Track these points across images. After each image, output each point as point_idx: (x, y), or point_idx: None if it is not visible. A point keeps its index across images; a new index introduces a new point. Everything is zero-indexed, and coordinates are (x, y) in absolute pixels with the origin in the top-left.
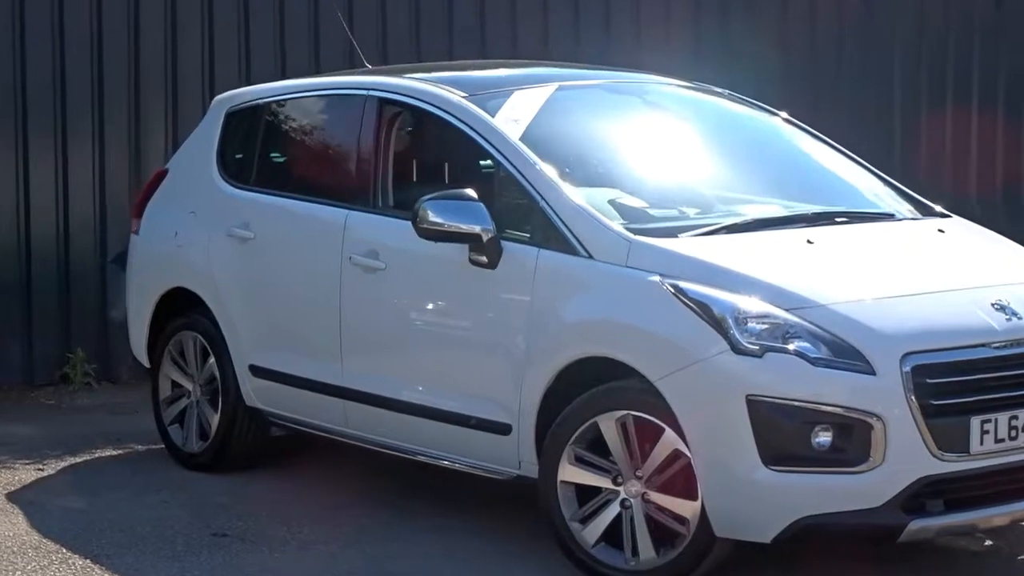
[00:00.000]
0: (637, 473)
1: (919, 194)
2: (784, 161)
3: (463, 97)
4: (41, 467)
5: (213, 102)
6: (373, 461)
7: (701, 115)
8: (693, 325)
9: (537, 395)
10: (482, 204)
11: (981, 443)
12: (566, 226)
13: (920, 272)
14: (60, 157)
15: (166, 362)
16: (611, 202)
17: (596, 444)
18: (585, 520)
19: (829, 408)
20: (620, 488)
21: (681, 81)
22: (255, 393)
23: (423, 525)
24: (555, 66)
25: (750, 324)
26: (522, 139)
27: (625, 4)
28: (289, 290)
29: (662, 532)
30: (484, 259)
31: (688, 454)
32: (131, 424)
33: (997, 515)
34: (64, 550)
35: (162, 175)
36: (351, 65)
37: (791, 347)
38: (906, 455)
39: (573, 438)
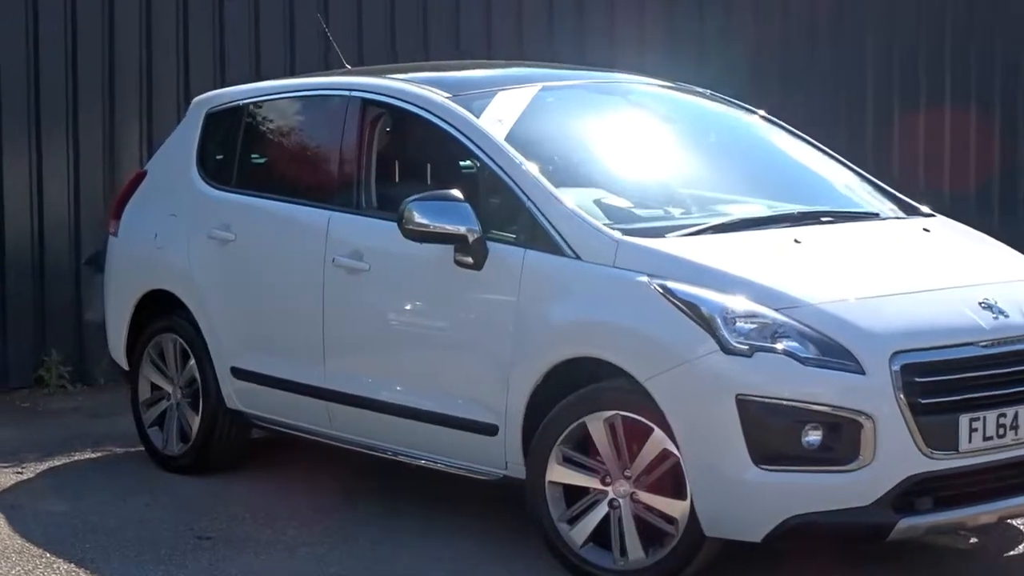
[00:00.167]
0: (625, 473)
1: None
2: (767, 161)
3: (447, 98)
4: (20, 470)
5: (192, 103)
6: (355, 462)
7: (683, 115)
8: (682, 325)
9: (524, 396)
10: (468, 205)
11: (970, 441)
12: (553, 227)
13: (907, 271)
14: (34, 159)
15: (145, 364)
16: (596, 202)
17: (584, 444)
18: (573, 520)
19: (819, 407)
20: (608, 488)
21: (663, 81)
22: (236, 395)
23: (409, 526)
24: (537, 66)
25: (739, 324)
26: (507, 140)
27: (599, 4)
28: (271, 292)
29: (650, 532)
30: (470, 260)
31: (677, 454)
32: (108, 427)
33: (985, 513)
34: (48, 554)
35: (140, 177)
36: (327, 66)
37: (780, 347)
38: (895, 454)
39: (561, 438)
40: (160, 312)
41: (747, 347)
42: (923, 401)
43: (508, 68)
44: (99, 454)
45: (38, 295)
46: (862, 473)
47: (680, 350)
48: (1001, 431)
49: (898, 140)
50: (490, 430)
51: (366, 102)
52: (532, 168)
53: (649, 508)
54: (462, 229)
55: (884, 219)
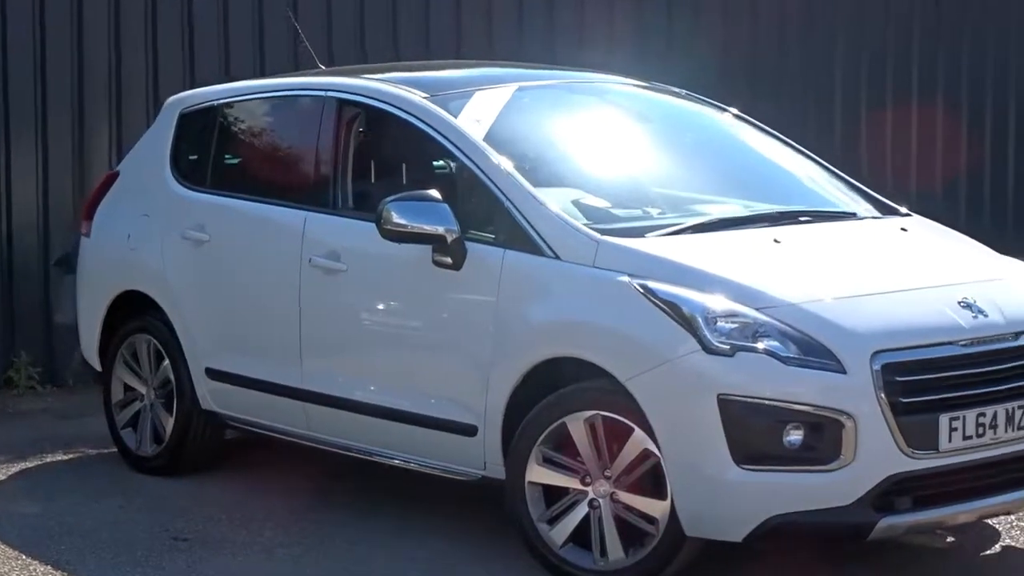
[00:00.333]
0: (606, 473)
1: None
2: (742, 160)
3: (424, 98)
4: None
5: (165, 104)
6: (329, 463)
7: (659, 115)
8: (663, 325)
9: (504, 396)
10: (446, 205)
11: (949, 440)
12: (532, 227)
13: (887, 271)
14: (3, 160)
15: (118, 365)
16: (575, 202)
17: (564, 444)
18: (553, 521)
19: (800, 407)
20: (588, 488)
21: (639, 81)
22: (211, 396)
23: (387, 527)
24: (513, 66)
25: (720, 323)
26: (485, 140)
27: (569, 3)
28: (247, 292)
29: (631, 532)
30: (448, 260)
31: (658, 454)
32: (79, 428)
33: (964, 512)
34: (23, 556)
35: (112, 177)
36: (296, 66)
37: (761, 346)
38: (876, 453)
39: (541, 439)
40: (133, 313)
41: (728, 347)
42: (904, 400)
43: (484, 68)
44: (71, 455)
45: (7, 296)
46: (843, 473)
47: (661, 350)
48: (980, 430)
49: (865, 140)
50: (469, 430)
51: (342, 102)
52: (511, 168)
53: (629, 508)
54: (440, 229)
55: (862, 219)
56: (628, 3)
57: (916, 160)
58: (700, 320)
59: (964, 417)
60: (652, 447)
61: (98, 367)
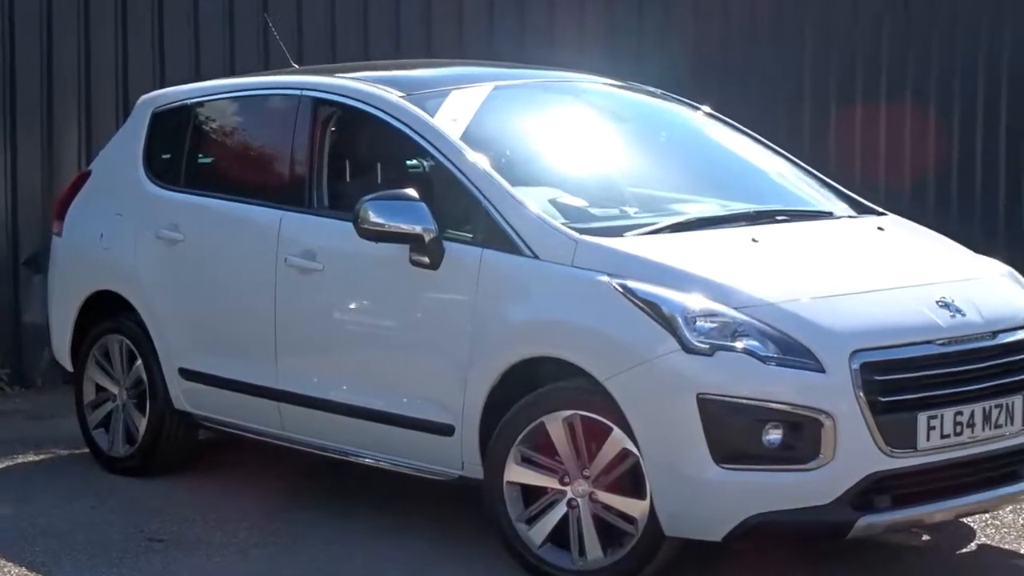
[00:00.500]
0: (584, 473)
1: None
2: (718, 159)
3: (401, 97)
4: None
5: (138, 102)
6: (303, 463)
7: (635, 114)
8: (642, 324)
9: (481, 396)
10: (424, 204)
11: (928, 439)
12: (510, 226)
13: (865, 270)
14: None
15: (90, 366)
16: (552, 202)
17: (543, 444)
18: (531, 520)
19: (780, 406)
20: (567, 488)
21: (615, 80)
22: (184, 396)
23: (362, 527)
24: (490, 66)
25: (699, 323)
26: (462, 139)
27: (540, 3)
28: (221, 292)
29: (610, 532)
30: (426, 259)
31: (636, 453)
32: (50, 428)
33: (942, 511)
34: None
35: (84, 177)
36: (267, 65)
37: (741, 345)
38: (855, 452)
39: (520, 438)
40: (105, 313)
41: (708, 346)
42: (882, 399)
43: (460, 67)
44: (42, 456)
45: None
46: (822, 472)
47: (640, 349)
48: (958, 429)
49: (834, 138)
50: (446, 430)
51: (318, 101)
52: (489, 168)
53: (608, 508)
54: (418, 228)
55: (838, 218)
56: (599, 2)
57: (884, 157)
58: (679, 319)
59: (942, 416)
60: (631, 447)
61: (70, 367)
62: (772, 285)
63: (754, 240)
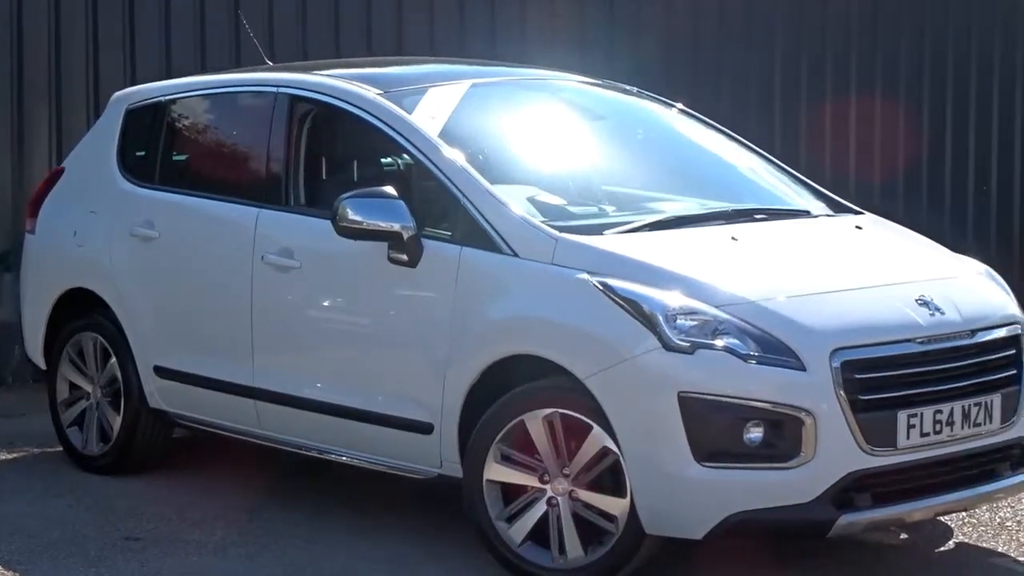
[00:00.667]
0: (564, 471)
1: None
2: (696, 158)
3: (378, 94)
4: None
5: (112, 99)
6: (280, 461)
7: (612, 112)
8: (622, 322)
9: (460, 394)
10: (402, 202)
11: (908, 437)
12: (490, 224)
13: (844, 268)
14: None
15: (64, 363)
16: (530, 199)
17: (522, 442)
18: (511, 519)
19: (760, 404)
20: (547, 486)
21: (591, 79)
22: (160, 394)
23: (341, 526)
24: (466, 63)
25: (680, 321)
26: (440, 136)
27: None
28: (197, 289)
29: (590, 530)
30: (404, 257)
31: (617, 451)
32: (22, 426)
33: (921, 509)
34: None
35: (58, 174)
36: (238, 62)
37: (721, 343)
38: (836, 450)
39: (499, 436)
40: (79, 310)
41: (688, 344)
42: (863, 398)
43: (437, 65)
44: (14, 455)
45: None
46: (803, 470)
47: (621, 347)
48: (938, 427)
49: (804, 133)
50: (425, 428)
51: (294, 98)
52: (468, 166)
53: (588, 506)
54: (396, 226)
55: (816, 217)
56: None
57: (855, 154)
58: (660, 318)
59: (922, 414)
60: (611, 445)
61: (43, 365)
62: (752, 283)
63: (734, 239)
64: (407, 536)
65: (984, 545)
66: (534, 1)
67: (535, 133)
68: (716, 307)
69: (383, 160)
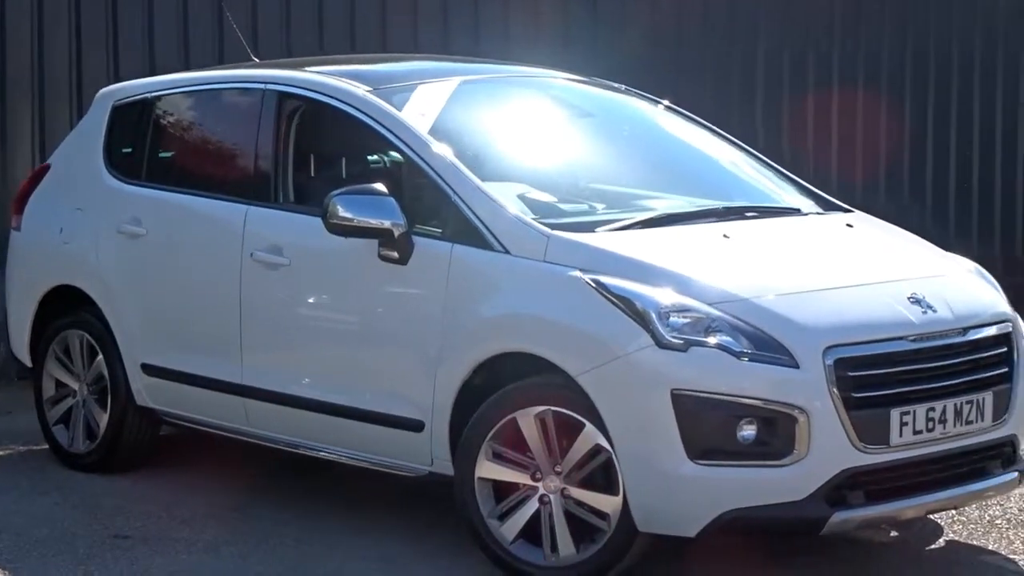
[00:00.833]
0: (556, 469)
1: None
2: (685, 155)
3: (368, 91)
4: None
5: (98, 95)
6: (267, 458)
7: (601, 110)
8: (615, 320)
9: (452, 391)
10: (393, 199)
11: (900, 435)
12: (481, 221)
13: (836, 266)
14: None
15: (50, 361)
16: (521, 197)
17: (514, 440)
18: (503, 516)
19: (754, 401)
20: (539, 484)
21: (579, 76)
22: (147, 392)
23: (331, 524)
24: (455, 60)
25: (673, 318)
26: (430, 134)
27: None
28: (185, 286)
29: (582, 528)
30: (395, 254)
31: (609, 449)
32: (7, 424)
33: (913, 507)
34: None
35: (43, 170)
36: (221, 60)
37: (714, 341)
38: (829, 447)
39: (491, 434)
40: (65, 308)
41: (682, 341)
42: (856, 395)
43: (425, 62)
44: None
45: None
46: (797, 467)
47: (614, 345)
48: (930, 425)
49: (787, 128)
50: (416, 426)
51: (283, 95)
52: (459, 163)
53: (580, 504)
54: (387, 223)
55: (806, 214)
56: None
57: (836, 150)
58: (653, 315)
59: (914, 412)
60: (603, 442)
61: (28, 363)
62: (745, 281)
63: (725, 236)
64: (398, 534)
65: (974, 543)
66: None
67: (525, 130)
68: (709, 304)
69: (373, 157)
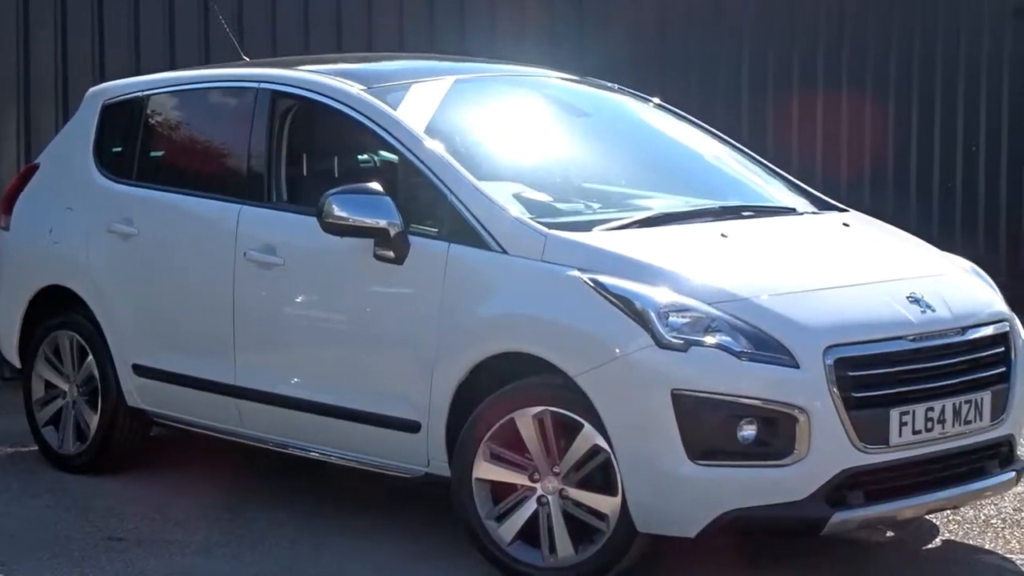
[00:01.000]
0: (554, 469)
1: None
2: (679, 155)
3: (362, 90)
4: None
5: (88, 94)
6: (259, 459)
7: (595, 109)
8: (614, 320)
9: (448, 392)
10: (389, 198)
11: (900, 435)
12: (478, 221)
13: (835, 266)
14: None
15: (39, 362)
16: (516, 196)
17: (512, 441)
18: (501, 518)
19: (754, 401)
20: (537, 485)
21: (573, 75)
22: (138, 393)
23: (326, 526)
24: (448, 59)
25: (672, 318)
26: (426, 132)
27: None
28: (177, 286)
29: (580, 528)
30: (391, 254)
31: (608, 449)
32: None
33: (912, 506)
34: None
35: (32, 170)
36: (207, 59)
37: (714, 340)
38: (829, 447)
39: (489, 435)
40: (55, 308)
41: (682, 341)
42: (856, 395)
43: (419, 61)
44: None
45: None
46: (797, 467)
47: (613, 345)
48: (929, 424)
49: (772, 125)
50: (412, 427)
51: (276, 94)
52: (455, 162)
53: (579, 504)
54: (383, 223)
55: (801, 214)
56: None
57: (821, 148)
58: (653, 315)
59: (914, 411)
60: (602, 443)
61: (17, 364)
62: (744, 280)
63: (723, 235)
64: (394, 535)
65: (970, 542)
66: None
67: (520, 129)
68: (708, 304)
69: (367, 156)
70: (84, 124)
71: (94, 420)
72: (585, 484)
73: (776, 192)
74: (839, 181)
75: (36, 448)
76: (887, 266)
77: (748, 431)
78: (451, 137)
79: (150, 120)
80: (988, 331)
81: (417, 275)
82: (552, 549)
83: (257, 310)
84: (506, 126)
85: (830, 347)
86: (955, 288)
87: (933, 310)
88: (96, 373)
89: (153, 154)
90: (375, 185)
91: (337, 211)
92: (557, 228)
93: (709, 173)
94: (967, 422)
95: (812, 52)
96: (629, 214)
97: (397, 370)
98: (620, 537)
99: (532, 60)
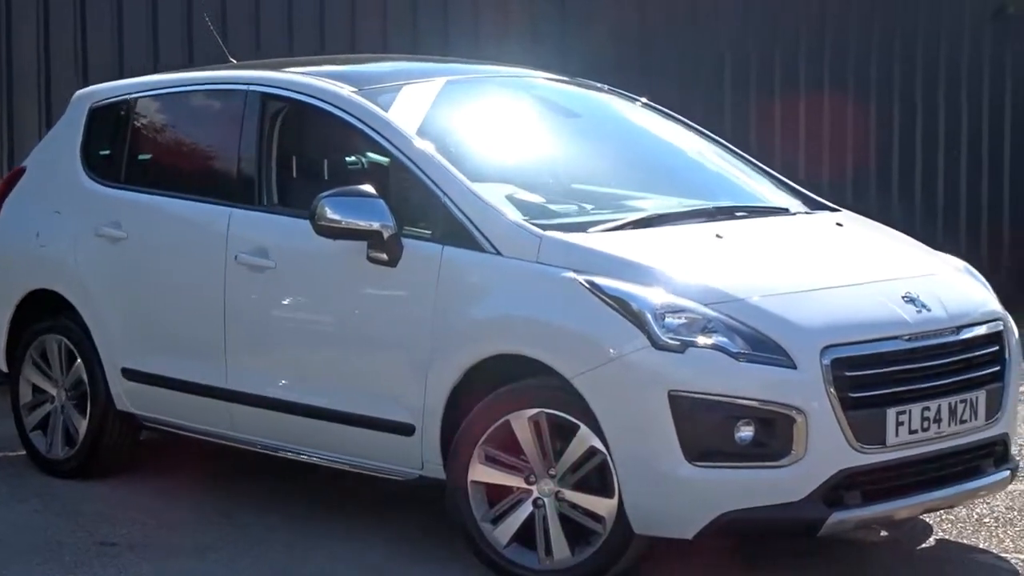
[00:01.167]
0: (550, 472)
1: None
2: (670, 155)
3: (353, 92)
4: None
5: (75, 97)
6: (250, 462)
7: (586, 110)
8: (610, 321)
9: (443, 395)
10: (382, 201)
11: (896, 435)
12: (472, 222)
13: (830, 266)
14: None
15: (27, 366)
16: (509, 197)
17: (507, 443)
18: (497, 520)
19: (751, 402)
20: (533, 487)
21: (564, 76)
22: (127, 397)
23: (319, 529)
24: (439, 61)
25: (669, 319)
26: (418, 134)
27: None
28: (167, 290)
29: (577, 531)
30: (384, 256)
31: (604, 451)
32: None
33: (909, 506)
34: None
35: (19, 173)
36: (191, 61)
37: (711, 341)
38: (827, 448)
39: (484, 437)
40: (43, 312)
41: (678, 342)
42: (852, 395)
43: (409, 62)
44: None
45: None
46: (794, 468)
47: (609, 346)
48: (925, 424)
49: (754, 124)
50: (406, 430)
51: (266, 96)
52: (448, 164)
53: (575, 506)
54: (376, 225)
55: (794, 214)
56: None
57: (804, 150)
58: (649, 316)
59: (910, 411)
60: (598, 444)
61: (5, 368)
62: (740, 281)
63: (718, 236)
64: (389, 539)
65: (964, 542)
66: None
67: (512, 130)
68: (704, 305)
69: (357, 158)
70: (71, 127)
71: (83, 424)
72: (581, 486)
73: (768, 192)
74: (821, 181)
75: (24, 453)
76: (882, 266)
77: (745, 432)
78: (443, 139)
79: (138, 123)
80: (982, 330)
81: (411, 277)
82: (548, 551)
83: (249, 313)
84: (498, 127)
85: (827, 347)
86: (949, 287)
87: (928, 310)
88: (85, 377)
89: (141, 157)
90: (368, 187)
91: (330, 214)
92: (552, 229)
93: (701, 174)
94: (962, 421)
95: (794, 53)
96: (623, 215)
97: (391, 373)
98: (617, 539)
99: (515, 60)
